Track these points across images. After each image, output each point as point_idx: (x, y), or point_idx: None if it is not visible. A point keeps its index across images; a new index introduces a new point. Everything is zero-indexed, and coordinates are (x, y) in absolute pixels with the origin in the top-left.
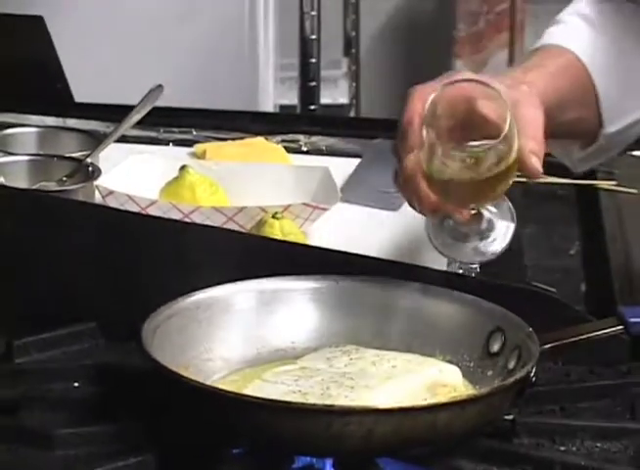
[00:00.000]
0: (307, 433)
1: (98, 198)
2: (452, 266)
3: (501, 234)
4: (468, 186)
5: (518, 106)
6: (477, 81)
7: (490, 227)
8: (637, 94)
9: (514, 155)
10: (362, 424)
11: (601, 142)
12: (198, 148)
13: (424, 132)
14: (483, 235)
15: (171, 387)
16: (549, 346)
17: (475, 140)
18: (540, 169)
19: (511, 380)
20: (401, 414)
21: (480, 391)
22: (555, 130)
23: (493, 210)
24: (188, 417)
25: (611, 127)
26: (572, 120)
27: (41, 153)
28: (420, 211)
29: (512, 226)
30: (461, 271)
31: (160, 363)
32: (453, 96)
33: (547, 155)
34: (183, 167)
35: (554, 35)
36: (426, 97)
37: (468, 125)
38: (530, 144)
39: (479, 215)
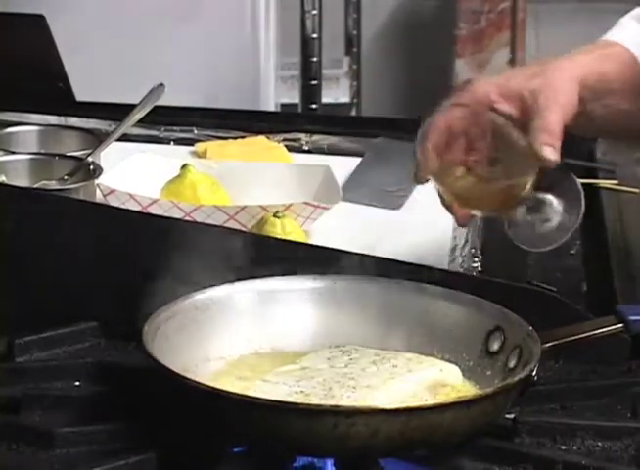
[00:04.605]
0: (313, 433)
1: (99, 196)
2: (454, 265)
3: (570, 212)
4: (490, 199)
5: (539, 94)
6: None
7: (552, 210)
8: None
9: (525, 166)
10: (368, 425)
11: None
12: (199, 147)
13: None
14: (547, 219)
15: (177, 389)
16: (549, 344)
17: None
18: (555, 158)
19: (515, 379)
20: (407, 414)
21: (485, 390)
22: (604, 121)
23: (558, 192)
24: (191, 417)
25: None
26: (622, 112)
27: (42, 151)
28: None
29: (581, 198)
30: (462, 270)
31: (166, 367)
32: (455, 120)
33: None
34: (184, 166)
35: (605, 35)
36: (439, 124)
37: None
38: (542, 137)
39: (543, 202)
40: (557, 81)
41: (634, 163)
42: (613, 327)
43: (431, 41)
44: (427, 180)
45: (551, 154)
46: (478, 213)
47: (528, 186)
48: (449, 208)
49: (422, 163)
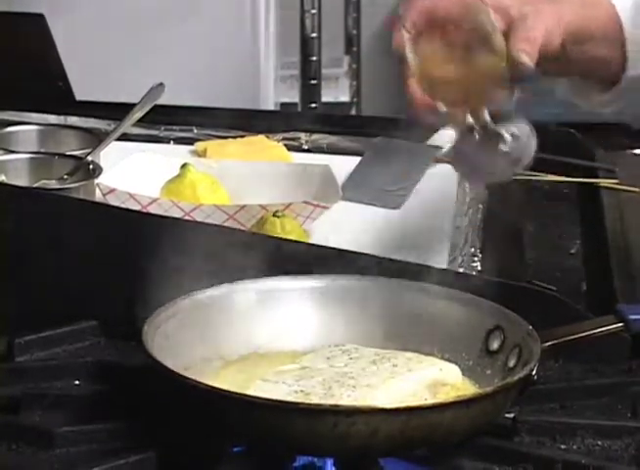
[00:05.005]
0: (313, 433)
1: (99, 196)
2: (453, 264)
3: (520, 152)
4: (459, 87)
5: (526, 17)
6: None
7: (505, 144)
8: None
9: (501, 56)
10: (368, 424)
11: (622, 85)
12: (199, 146)
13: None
14: (504, 154)
15: (177, 388)
16: (549, 344)
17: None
18: (530, 64)
19: (515, 378)
20: (407, 414)
21: (485, 389)
22: (579, 65)
23: (512, 129)
24: (191, 417)
25: (634, 70)
26: (597, 59)
27: (42, 151)
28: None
29: (532, 143)
30: (462, 270)
31: (166, 367)
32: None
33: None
34: (184, 165)
35: None
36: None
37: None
38: (520, 44)
39: (497, 136)
40: (546, 13)
41: (601, 104)
42: (613, 326)
43: None
44: (403, 46)
45: (527, 60)
46: (439, 106)
47: (495, 91)
48: (412, 95)
49: (401, 26)
